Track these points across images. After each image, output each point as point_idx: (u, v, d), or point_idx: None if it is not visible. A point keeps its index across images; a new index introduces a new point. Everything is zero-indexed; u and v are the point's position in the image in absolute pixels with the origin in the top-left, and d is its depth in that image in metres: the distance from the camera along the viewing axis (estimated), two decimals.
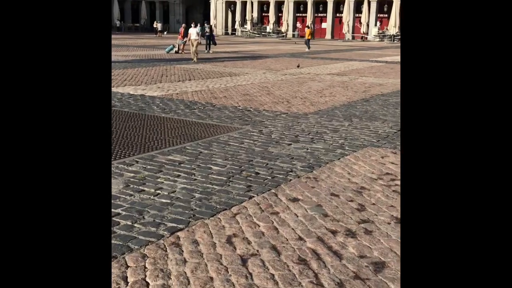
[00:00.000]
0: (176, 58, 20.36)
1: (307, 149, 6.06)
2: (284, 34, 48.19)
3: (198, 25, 28.82)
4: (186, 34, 24.41)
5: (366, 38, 44.47)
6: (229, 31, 53.58)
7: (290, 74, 15.46)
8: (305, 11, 49.39)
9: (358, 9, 46.98)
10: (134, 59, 19.25)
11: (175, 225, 3.71)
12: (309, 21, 48.11)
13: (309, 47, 28.41)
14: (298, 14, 51.22)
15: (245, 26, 49.59)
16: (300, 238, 3.53)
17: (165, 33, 45.94)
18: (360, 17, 45.98)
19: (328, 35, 49.19)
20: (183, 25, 26.85)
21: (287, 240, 3.50)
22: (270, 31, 48.98)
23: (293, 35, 49.55)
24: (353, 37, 46.18)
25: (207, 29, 26.30)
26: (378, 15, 45.28)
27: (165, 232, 3.58)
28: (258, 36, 47.68)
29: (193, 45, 19.74)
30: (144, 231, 3.60)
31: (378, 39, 42.77)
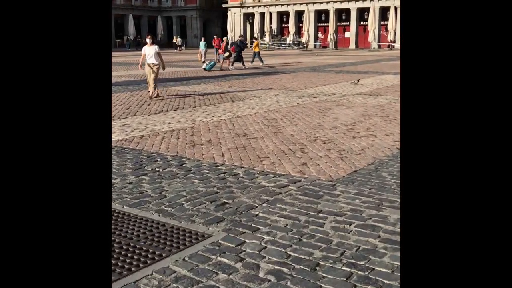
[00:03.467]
0: (204, 76, 17.00)
1: None
2: (305, 45, 44.59)
3: (203, 39, 26.30)
4: (227, 48, 21.35)
5: (394, 46, 40.45)
6: (248, 44, 50.32)
7: (309, 95, 11.84)
8: (327, 20, 45.76)
9: (383, 16, 43.07)
10: (172, 77, 15.99)
11: None
12: (331, 31, 44.44)
13: (262, 61, 23.20)
14: (319, 24, 47.58)
15: (263, 38, 46.21)
16: None
17: (183, 48, 43.09)
18: (386, 25, 42.04)
19: (352, 45, 45.33)
20: (225, 38, 23.62)
21: None
22: (290, 42, 45.48)
23: (315, 46, 45.92)
24: (379, 46, 42.21)
25: (238, 43, 23.10)
26: None
27: None
28: (277, 48, 44.22)
29: (153, 73, 11.13)
30: None
31: None
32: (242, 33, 50.62)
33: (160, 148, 6.27)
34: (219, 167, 5.32)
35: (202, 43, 25.88)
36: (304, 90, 13.11)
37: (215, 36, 27.89)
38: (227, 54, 21.32)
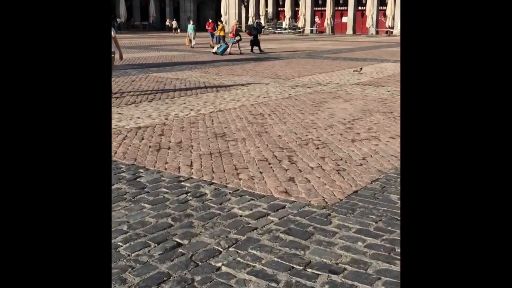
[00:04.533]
0: (202, 61, 15.70)
1: None
2: (301, 30, 43.10)
3: (191, 21, 24.56)
4: (237, 32, 19.82)
5: (392, 32, 39.06)
6: (243, 27, 48.73)
7: (303, 85, 10.63)
8: (324, 4, 44.20)
9: (382, 1, 41.58)
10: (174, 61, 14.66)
11: None
12: (328, 15, 43.00)
13: (225, 48, 20.00)
14: (316, 8, 46.02)
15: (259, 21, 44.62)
16: None
17: (178, 30, 41.49)
18: (384, 10, 40.56)
19: (349, 30, 43.87)
20: (234, 21, 22.28)
21: None
22: (286, 27, 43.96)
23: (311, 31, 44.44)
24: (377, 32, 40.80)
25: (255, 25, 21.73)
26: None
27: None
28: (273, 33, 42.71)
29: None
30: None
31: None
32: (237, 18, 49.03)
33: (116, 152, 5.07)
34: (183, 183, 4.14)
35: (190, 26, 24.07)
36: (298, 79, 11.88)
37: (209, 20, 24.90)
38: (238, 38, 19.77)
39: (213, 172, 4.44)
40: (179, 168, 4.56)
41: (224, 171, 4.46)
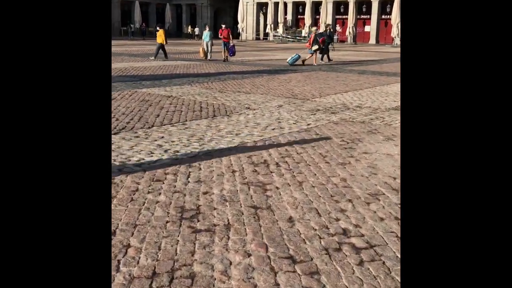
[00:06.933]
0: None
1: None
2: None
3: (207, 28, 21.66)
4: (315, 41, 17.05)
5: None
6: (261, 35, 46.39)
7: (325, 109, 8.12)
8: (346, 12, 41.63)
9: None
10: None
11: None
12: (350, 24, 40.38)
13: (160, 55, 18.42)
14: (337, 16, 43.43)
15: (277, 29, 42.24)
16: None
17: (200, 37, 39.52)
18: None
19: (372, 40, 41.16)
20: (313, 29, 19.24)
21: None
22: (306, 35, 41.46)
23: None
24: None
25: (328, 33, 19.52)
26: None
27: None
28: (292, 41, 40.25)
29: None
30: None
31: None
32: (255, 24, 46.78)
33: None
34: None
35: (206, 33, 19.41)
36: (319, 99, 9.36)
37: (222, 26, 19.67)
38: (315, 47, 17.23)
39: None
40: None
41: None
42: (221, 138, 5.90)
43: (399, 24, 37.05)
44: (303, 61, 17.21)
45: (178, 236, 3.05)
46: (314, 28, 19.79)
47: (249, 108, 8.18)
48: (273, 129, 6.51)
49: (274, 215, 3.43)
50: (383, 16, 41.17)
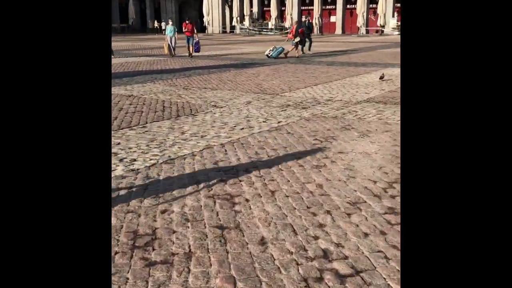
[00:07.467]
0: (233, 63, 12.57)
1: None
2: (288, 30, 40.18)
3: (170, 22, 20.72)
4: (297, 33, 16.61)
5: (383, 31, 36.31)
6: (227, 29, 45.61)
7: (296, 105, 7.67)
8: (312, 3, 41.29)
9: None
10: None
11: None
12: (316, 15, 40.14)
13: (123, 53, 17.64)
14: (303, 7, 43.07)
15: (243, 22, 41.57)
16: None
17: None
18: (374, 8, 37.81)
19: (338, 30, 41.03)
20: (295, 20, 19.17)
21: None
22: (272, 27, 40.96)
23: None
24: (367, 31, 38.04)
25: (307, 24, 18.90)
26: (396, 5, 37.01)
27: None
28: (258, 34, 39.71)
29: None
30: None
31: (396, 32, 34.51)
32: (221, 17, 45.94)
33: None
34: None
35: (169, 28, 18.32)
36: (289, 94, 8.91)
37: (186, 20, 18.64)
38: (298, 39, 16.77)
39: None
40: None
41: None
42: (185, 141, 5.37)
43: (364, 14, 37.10)
44: (286, 53, 16.76)
45: (128, 272, 2.52)
46: (295, 20, 19.47)
47: (215, 106, 7.66)
48: (241, 128, 6.02)
49: (243, 236, 2.94)
50: (348, 6, 41.09)
